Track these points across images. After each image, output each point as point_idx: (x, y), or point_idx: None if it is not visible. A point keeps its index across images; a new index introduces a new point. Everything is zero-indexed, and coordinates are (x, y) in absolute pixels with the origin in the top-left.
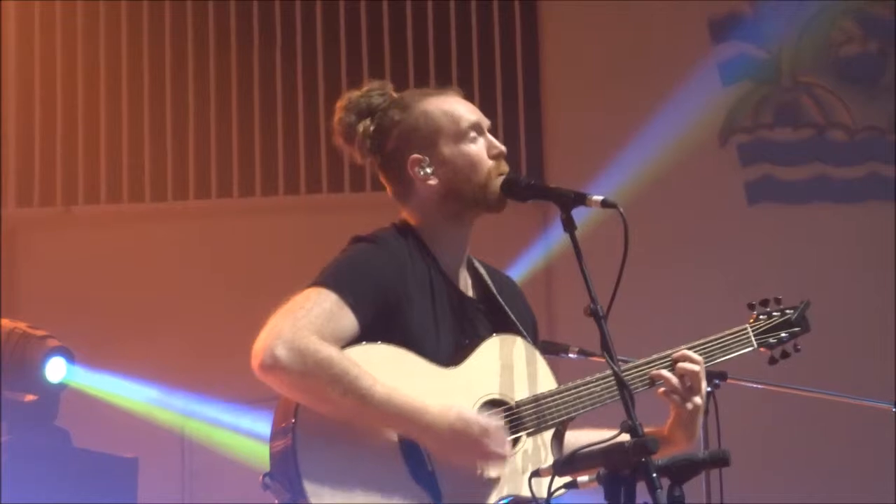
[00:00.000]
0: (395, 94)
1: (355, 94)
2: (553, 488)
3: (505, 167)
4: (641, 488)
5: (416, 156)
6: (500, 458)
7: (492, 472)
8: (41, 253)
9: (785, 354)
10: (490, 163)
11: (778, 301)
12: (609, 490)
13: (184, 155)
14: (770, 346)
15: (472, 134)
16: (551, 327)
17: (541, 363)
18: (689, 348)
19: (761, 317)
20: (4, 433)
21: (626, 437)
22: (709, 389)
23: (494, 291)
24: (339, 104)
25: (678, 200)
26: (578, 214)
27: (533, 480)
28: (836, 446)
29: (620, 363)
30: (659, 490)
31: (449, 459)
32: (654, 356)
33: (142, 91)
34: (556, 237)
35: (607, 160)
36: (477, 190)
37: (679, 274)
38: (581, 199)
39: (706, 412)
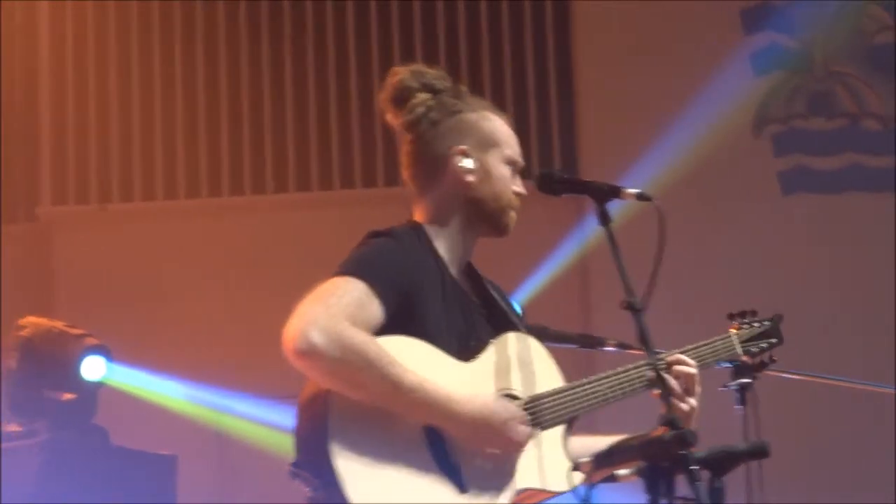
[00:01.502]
0: (462, 87)
1: (424, 68)
2: (593, 482)
3: (518, 205)
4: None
5: (464, 147)
6: (521, 446)
7: (512, 458)
8: (77, 250)
9: (763, 364)
10: (512, 195)
11: (754, 313)
12: (648, 483)
13: (217, 152)
14: (752, 355)
15: (513, 164)
16: (587, 321)
17: (549, 360)
18: (682, 352)
19: (743, 326)
20: (43, 432)
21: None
22: (748, 381)
23: (492, 292)
24: (405, 69)
25: (712, 191)
26: (614, 208)
27: (571, 474)
28: (875, 438)
29: (656, 355)
30: (698, 483)
31: (472, 447)
32: (651, 360)
33: (174, 89)
34: (591, 231)
35: (641, 152)
36: (496, 209)
37: (714, 264)
38: (615, 193)
39: (744, 403)
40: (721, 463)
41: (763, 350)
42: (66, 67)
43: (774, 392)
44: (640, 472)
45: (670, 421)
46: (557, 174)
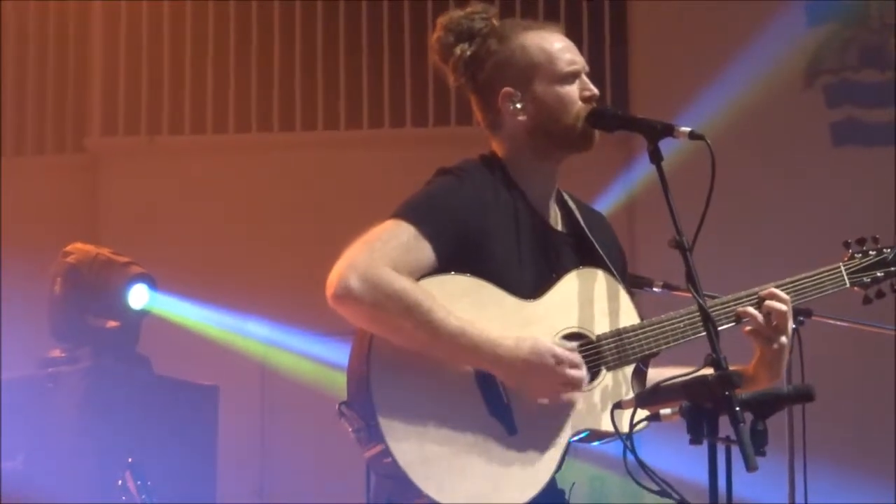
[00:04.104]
0: (496, 22)
1: (458, 13)
2: (635, 420)
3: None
4: (724, 423)
5: (507, 89)
6: (577, 386)
7: (569, 401)
8: (125, 181)
9: (880, 294)
10: (580, 105)
11: (875, 240)
12: (691, 423)
13: (268, 87)
14: (864, 286)
15: (568, 76)
16: (633, 261)
17: (624, 298)
18: (779, 286)
19: (856, 255)
20: (86, 359)
21: (709, 370)
22: (793, 326)
23: (583, 225)
24: (441, 22)
25: (763, 140)
26: (664, 147)
27: (615, 412)
28: None
29: (705, 297)
30: (742, 424)
31: (524, 391)
32: (742, 293)
33: (227, 22)
34: (640, 171)
35: (693, 100)
36: (564, 130)
37: (763, 213)
38: (668, 131)
39: (790, 349)
40: (765, 405)
41: (877, 280)
42: None
43: (822, 338)
44: (683, 412)
45: (715, 361)
46: (610, 110)
